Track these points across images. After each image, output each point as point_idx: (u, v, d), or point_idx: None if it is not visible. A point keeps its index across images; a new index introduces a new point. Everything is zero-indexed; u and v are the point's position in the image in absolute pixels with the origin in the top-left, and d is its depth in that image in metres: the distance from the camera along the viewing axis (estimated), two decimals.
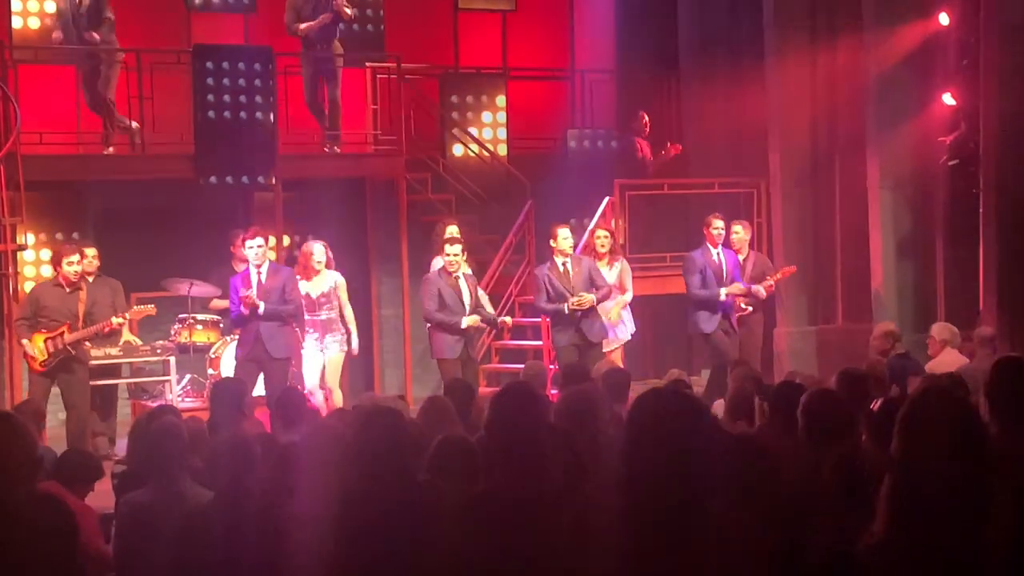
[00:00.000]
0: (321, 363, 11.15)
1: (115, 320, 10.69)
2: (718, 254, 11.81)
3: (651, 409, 3.23)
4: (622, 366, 11.11)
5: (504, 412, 4.04)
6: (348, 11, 13.22)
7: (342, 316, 11.22)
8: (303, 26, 13.08)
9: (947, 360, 9.31)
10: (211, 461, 4.97)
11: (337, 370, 11.27)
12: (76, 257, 10.65)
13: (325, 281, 11.15)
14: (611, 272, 12.00)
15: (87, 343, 10.74)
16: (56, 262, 10.73)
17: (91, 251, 11.27)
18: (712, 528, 3.12)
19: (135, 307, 11.10)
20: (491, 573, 3.87)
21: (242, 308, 10.40)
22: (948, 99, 11.93)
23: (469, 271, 11.42)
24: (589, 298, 11.06)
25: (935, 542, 3.00)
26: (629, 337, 12.36)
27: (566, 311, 11.01)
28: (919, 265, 12.62)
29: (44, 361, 10.41)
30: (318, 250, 11.12)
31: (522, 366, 12.74)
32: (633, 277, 12.74)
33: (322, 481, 4.70)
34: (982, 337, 9.39)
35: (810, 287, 13.85)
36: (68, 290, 10.56)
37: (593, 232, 12.11)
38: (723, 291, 11.60)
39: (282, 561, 4.37)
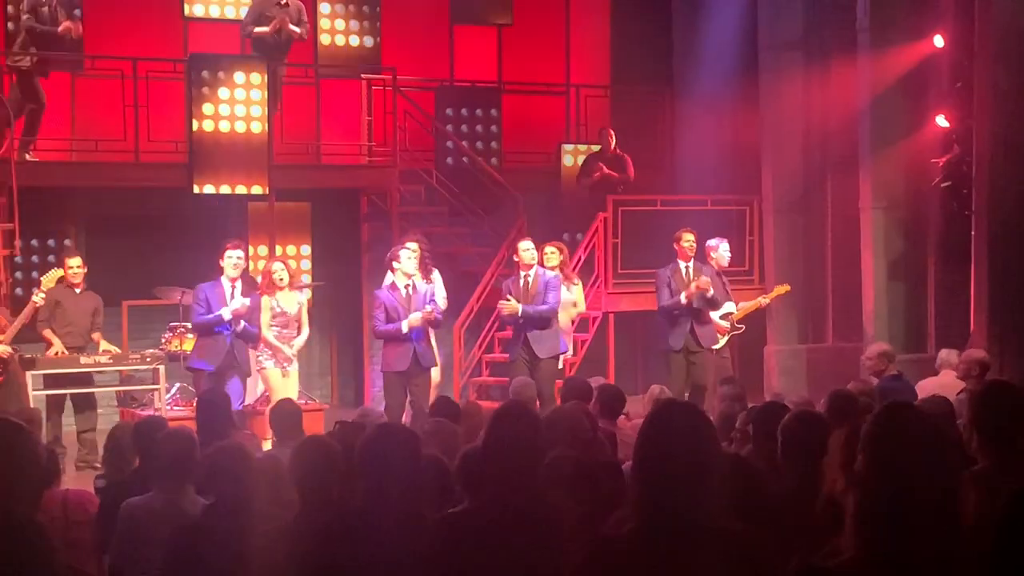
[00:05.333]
0: (280, 376, 10.93)
1: (35, 299, 10.39)
2: (687, 268, 11.50)
3: (666, 424, 3.25)
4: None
5: (503, 433, 4.04)
6: (297, 30, 13.18)
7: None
8: (257, 29, 13.04)
9: (943, 381, 9.30)
10: (209, 470, 4.95)
11: (297, 380, 11.20)
12: None
13: (294, 300, 11.06)
14: (571, 294, 11.79)
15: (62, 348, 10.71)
16: None
17: (75, 261, 11.18)
18: (724, 546, 3.15)
19: (45, 276, 10.68)
20: None
21: (223, 313, 10.32)
22: (941, 121, 11.97)
23: (430, 279, 11.20)
24: (512, 306, 10.96)
25: (905, 560, 3.00)
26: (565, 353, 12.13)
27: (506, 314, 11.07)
28: (910, 286, 12.65)
29: None
30: (278, 267, 10.97)
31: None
32: (624, 293, 12.70)
33: (309, 495, 4.70)
34: (972, 360, 9.27)
35: (800, 306, 13.87)
36: None
37: (542, 248, 11.72)
38: (683, 295, 11.26)
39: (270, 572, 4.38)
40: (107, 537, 5.59)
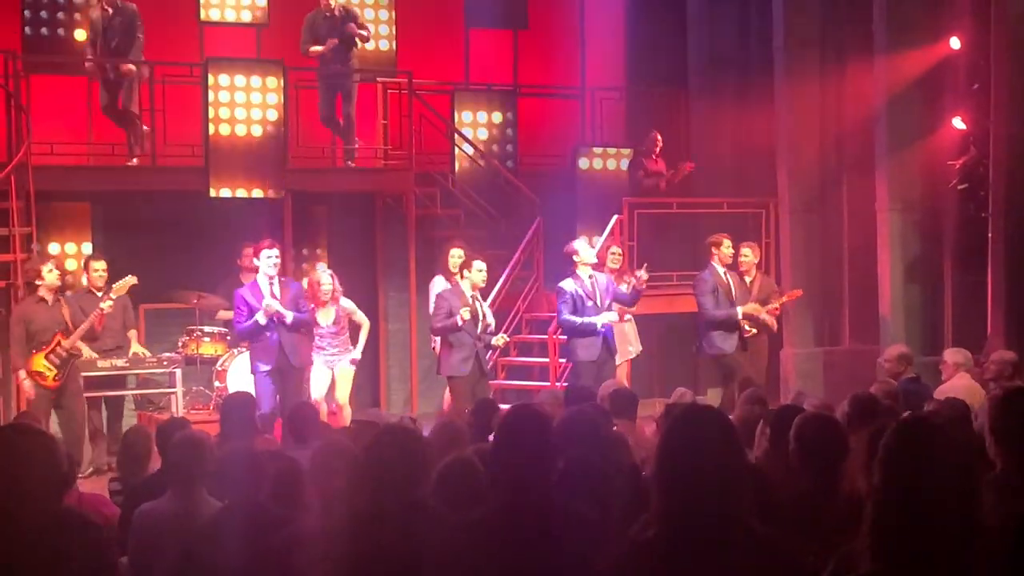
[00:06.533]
0: (329, 377, 11.21)
1: (104, 306, 10.72)
2: (725, 273, 11.77)
3: (688, 430, 3.24)
4: (627, 383, 11.14)
5: (511, 435, 4.04)
6: (364, 33, 13.33)
7: (352, 331, 11.39)
8: (314, 48, 13.17)
9: (958, 384, 9.24)
10: (219, 473, 4.98)
11: (349, 384, 11.37)
12: (51, 265, 10.75)
13: (331, 313, 11.21)
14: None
15: (91, 354, 10.88)
16: (36, 276, 10.66)
17: (99, 264, 11.32)
18: (749, 551, 3.13)
19: (116, 284, 10.97)
20: None
21: (259, 318, 10.36)
22: (958, 122, 11.94)
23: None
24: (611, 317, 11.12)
25: (923, 572, 2.98)
26: (636, 354, 12.40)
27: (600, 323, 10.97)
28: (927, 288, 12.61)
29: (56, 375, 10.50)
30: (326, 280, 11.18)
31: (528, 383, 12.80)
32: (641, 295, 12.70)
33: (330, 498, 4.70)
34: (1004, 361, 9.19)
35: (817, 308, 13.84)
36: (50, 303, 10.62)
37: (607, 247, 12.10)
38: (740, 309, 11.56)
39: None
40: (125, 540, 5.62)
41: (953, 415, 6.37)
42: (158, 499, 5.54)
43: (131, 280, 11.06)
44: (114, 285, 10.99)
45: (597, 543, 3.86)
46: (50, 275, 10.62)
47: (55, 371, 10.50)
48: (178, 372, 11.39)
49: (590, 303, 10.98)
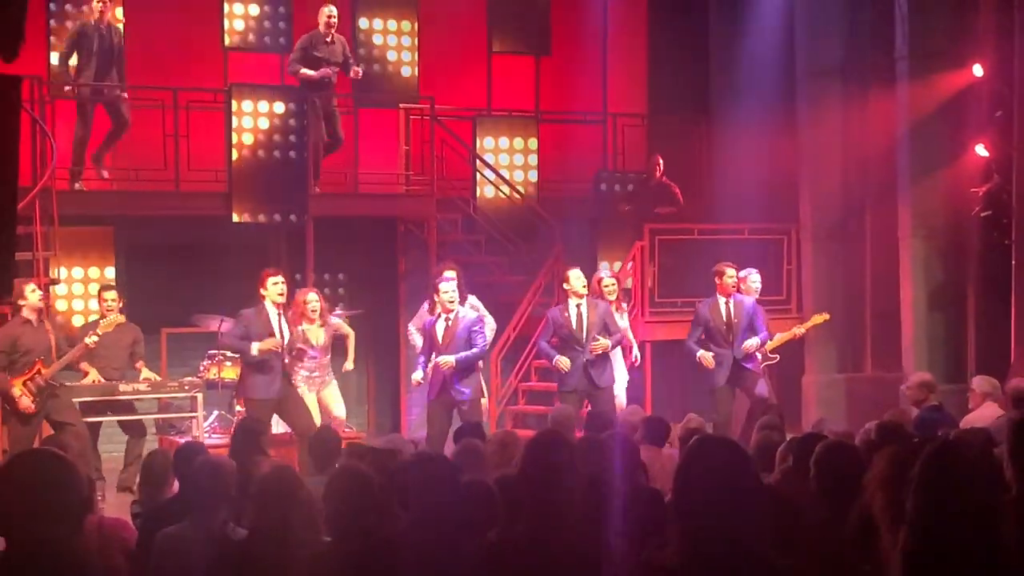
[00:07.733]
0: (314, 400, 11.13)
1: (88, 340, 10.56)
2: (726, 304, 11.42)
3: (703, 461, 3.24)
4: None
5: (537, 459, 4.03)
6: (358, 70, 13.42)
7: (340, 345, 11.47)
8: (304, 71, 13.17)
9: (986, 414, 9.15)
10: (255, 497, 4.96)
11: (340, 399, 11.38)
12: (33, 285, 10.52)
13: (325, 331, 11.18)
14: (622, 320, 11.97)
15: (98, 376, 10.93)
16: (20, 296, 10.33)
17: (110, 294, 11.29)
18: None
19: (103, 321, 10.88)
20: None
21: (254, 350, 10.39)
22: (981, 150, 11.91)
23: (468, 313, 11.14)
24: (604, 343, 11.03)
25: None
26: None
27: (564, 367, 11.03)
28: (950, 316, 12.56)
29: (33, 401, 10.27)
30: (312, 298, 11.12)
31: (548, 408, 12.77)
32: (661, 322, 12.67)
33: (346, 522, 4.69)
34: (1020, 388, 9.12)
35: (839, 335, 13.78)
36: (36, 325, 10.42)
37: (600, 280, 11.89)
38: (700, 352, 11.24)
39: None
40: (144, 565, 5.62)
41: (974, 443, 6.33)
42: (181, 523, 5.54)
43: (119, 318, 10.99)
44: (101, 322, 10.91)
45: (615, 568, 3.85)
46: (32, 295, 10.38)
47: (32, 397, 10.26)
48: (199, 396, 11.40)
49: (565, 332, 11.10)
